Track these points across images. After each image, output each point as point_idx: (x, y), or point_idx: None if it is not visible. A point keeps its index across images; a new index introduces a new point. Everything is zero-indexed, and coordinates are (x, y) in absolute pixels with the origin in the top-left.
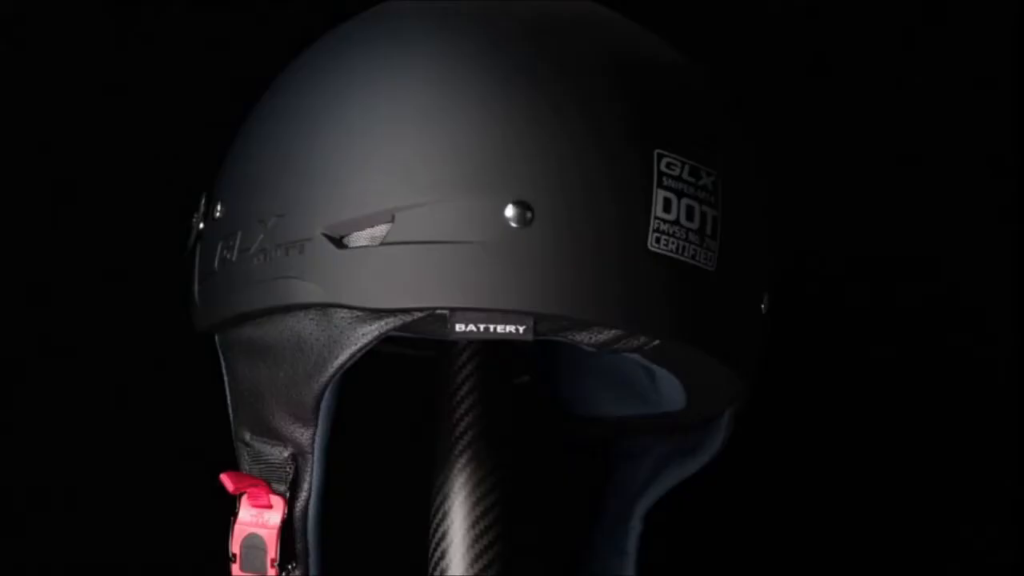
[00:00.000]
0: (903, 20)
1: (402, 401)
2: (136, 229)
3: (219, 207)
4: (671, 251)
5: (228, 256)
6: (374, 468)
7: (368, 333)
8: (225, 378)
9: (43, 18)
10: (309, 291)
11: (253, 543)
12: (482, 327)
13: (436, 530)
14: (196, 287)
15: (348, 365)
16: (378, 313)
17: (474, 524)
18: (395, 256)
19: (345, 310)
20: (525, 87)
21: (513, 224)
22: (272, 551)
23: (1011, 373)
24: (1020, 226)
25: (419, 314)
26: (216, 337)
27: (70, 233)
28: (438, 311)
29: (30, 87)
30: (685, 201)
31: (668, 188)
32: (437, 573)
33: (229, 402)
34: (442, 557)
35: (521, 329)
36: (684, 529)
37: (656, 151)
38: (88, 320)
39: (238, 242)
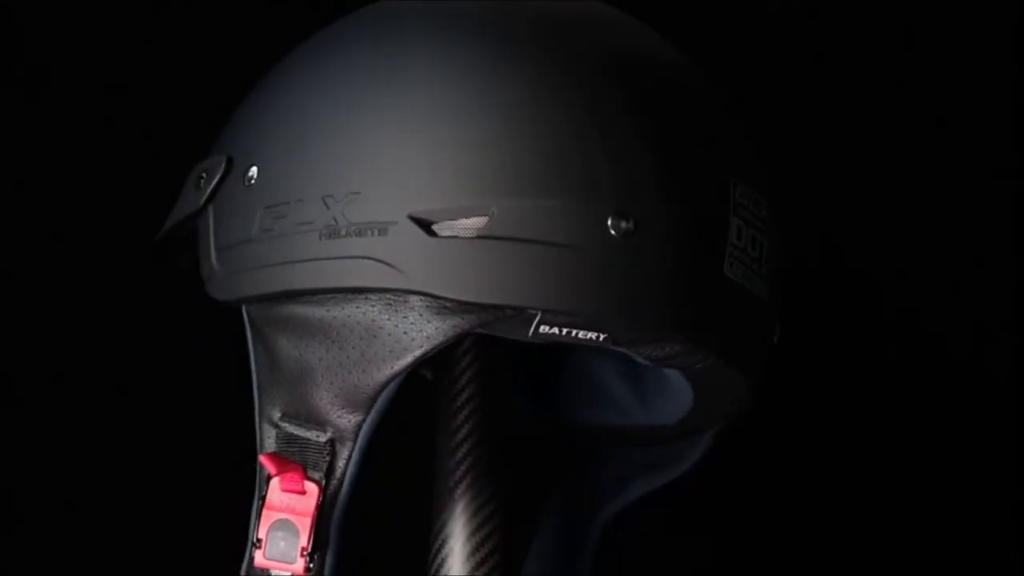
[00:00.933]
0: (903, 20)
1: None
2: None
3: (253, 172)
4: (738, 277)
5: (274, 226)
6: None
7: (454, 326)
8: (253, 353)
9: (42, 19)
10: (390, 275)
11: (284, 529)
12: (566, 331)
13: (437, 536)
14: (215, 252)
15: (427, 357)
16: (466, 307)
17: (474, 532)
18: (490, 250)
19: (423, 300)
20: (630, 101)
21: (613, 233)
22: (305, 539)
23: (1011, 373)
24: (1021, 226)
25: (511, 312)
26: (245, 309)
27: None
28: (529, 311)
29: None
30: (750, 231)
31: (740, 216)
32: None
33: (257, 379)
34: (442, 564)
35: (601, 337)
36: (684, 528)
37: (731, 179)
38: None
39: (293, 214)
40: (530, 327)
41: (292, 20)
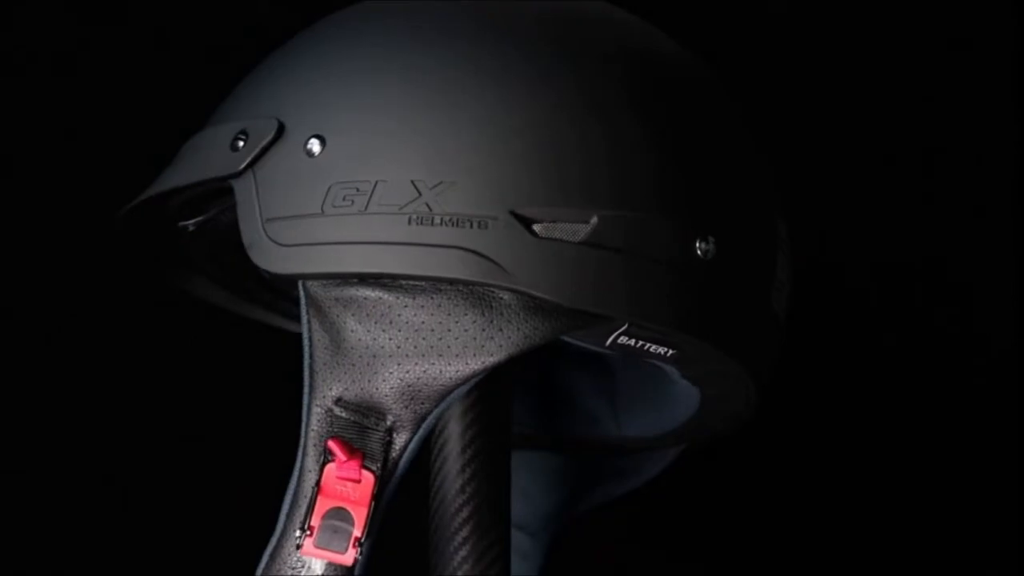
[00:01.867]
0: (902, 20)
1: None
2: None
3: (315, 144)
4: (778, 309)
5: (350, 204)
6: None
7: (550, 329)
8: (309, 331)
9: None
10: (489, 270)
11: (338, 518)
12: (641, 343)
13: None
14: (262, 221)
15: (517, 357)
16: (560, 310)
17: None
18: (594, 258)
19: (519, 299)
20: (713, 125)
21: (699, 254)
22: (359, 529)
23: (1011, 373)
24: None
25: (602, 320)
26: (304, 284)
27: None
28: (618, 321)
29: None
30: (787, 266)
31: (783, 251)
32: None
33: (312, 358)
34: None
35: (670, 352)
36: (686, 528)
37: (776, 214)
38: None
39: (377, 195)
40: (609, 337)
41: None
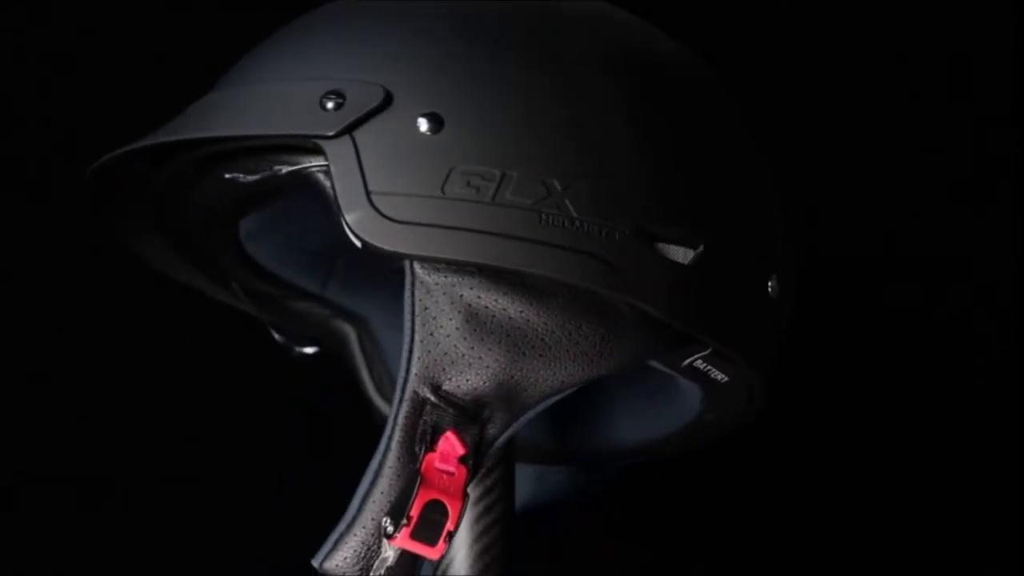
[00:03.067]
0: (903, 20)
1: None
2: None
3: (429, 120)
4: (784, 329)
5: (475, 192)
6: None
7: (654, 347)
8: (415, 312)
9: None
10: (616, 280)
11: (436, 510)
12: (708, 368)
13: None
14: (367, 193)
15: (624, 370)
16: (668, 330)
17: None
18: (697, 282)
19: (636, 313)
20: (719, 128)
21: (769, 292)
22: (452, 523)
23: (1011, 373)
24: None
25: (696, 345)
26: (415, 265)
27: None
28: (707, 346)
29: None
30: (787, 258)
31: (783, 251)
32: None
33: (413, 341)
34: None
35: (724, 379)
36: (686, 529)
37: (777, 216)
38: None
39: (504, 186)
40: (686, 360)
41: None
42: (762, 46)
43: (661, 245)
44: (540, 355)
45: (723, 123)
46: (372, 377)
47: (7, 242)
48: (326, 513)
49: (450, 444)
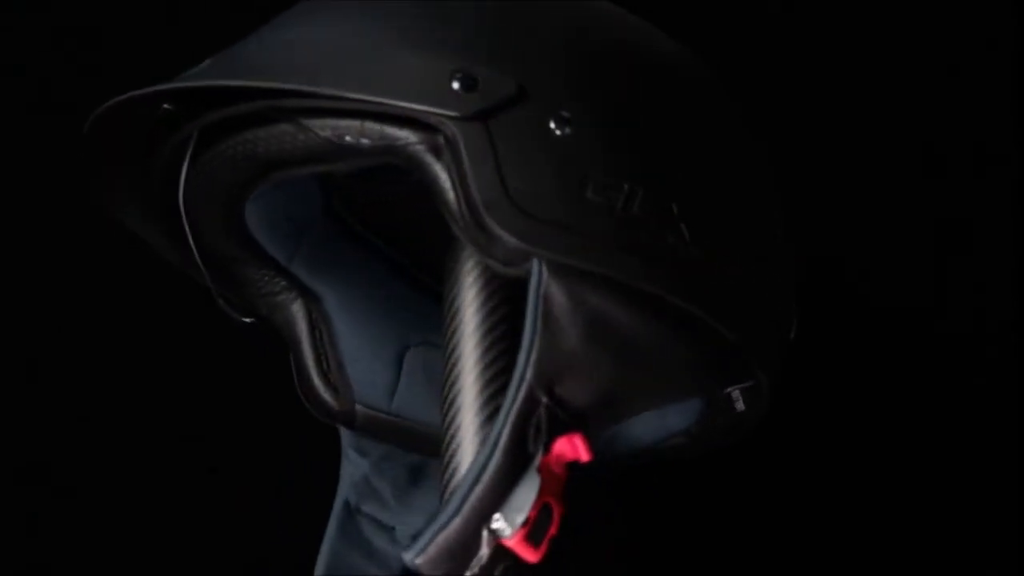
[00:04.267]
0: (901, 20)
1: None
2: None
3: (560, 121)
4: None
5: (605, 201)
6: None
7: (720, 382)
8: (539, 311)
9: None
10: (732, 315)
11: (546, 513)
12: (740, 401)
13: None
14: (503, 184)
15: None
16: (738, 362)
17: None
18: (753, 302)
19: (721, 344)
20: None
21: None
22: (555, 527)
23: (1011, 373)
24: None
25: (755, 381)
26: (539, 265)
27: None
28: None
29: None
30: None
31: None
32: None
33: (534, 344)
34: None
35: (743, 408)
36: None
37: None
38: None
39: (634, 201)
40: (727, 389)
41: None
42: (762, 46)
43: (730, 266)
44: (645, 372)
45: (723, 124)
46: (317, 360)
47: (7, 242)
48: (326, 513)
49: (568, 447)
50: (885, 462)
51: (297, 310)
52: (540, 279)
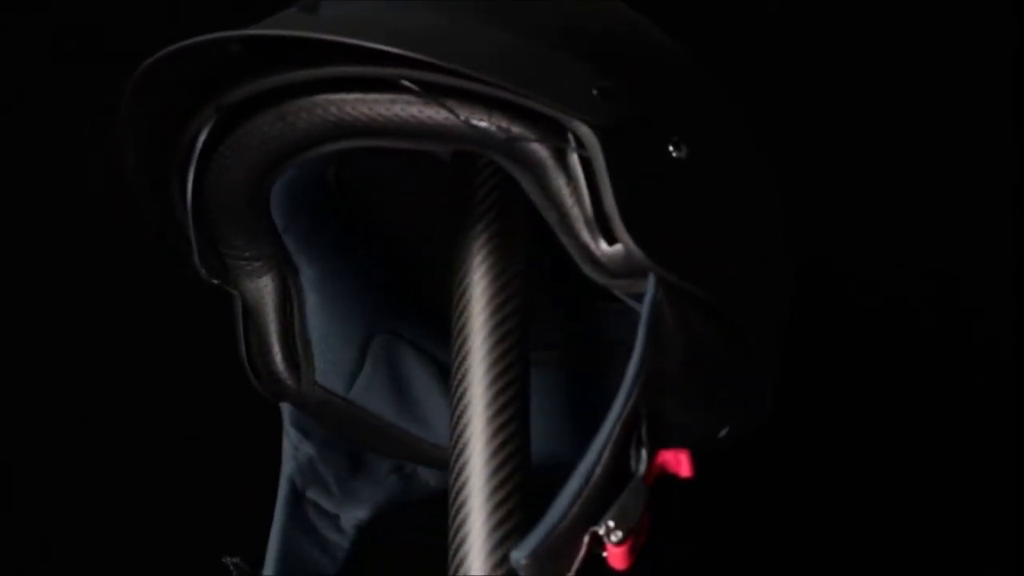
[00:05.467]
0: (901, 19)
1: None
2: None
3: (690, 153)
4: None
5: (722, 229)
6: None
7: None
8: (651, 332)
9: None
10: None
11: (644, 525)
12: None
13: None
14: (633, 197)
15: None
16: None
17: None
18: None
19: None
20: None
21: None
22: (644, 535)
23: (1011, 373)
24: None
25: None
26: (658, 283)
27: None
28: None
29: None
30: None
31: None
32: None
33: (644, 358)
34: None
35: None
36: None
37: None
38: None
39: (735, 231)
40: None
41: None
42: (762, 46)
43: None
44: (726, 395)
45: (725, 125)
46: (283, 334)
47: (7, 240)
48: None
49: (672, 461)
50: (885, 462)
51: (270, 280)
52: (656, 297)
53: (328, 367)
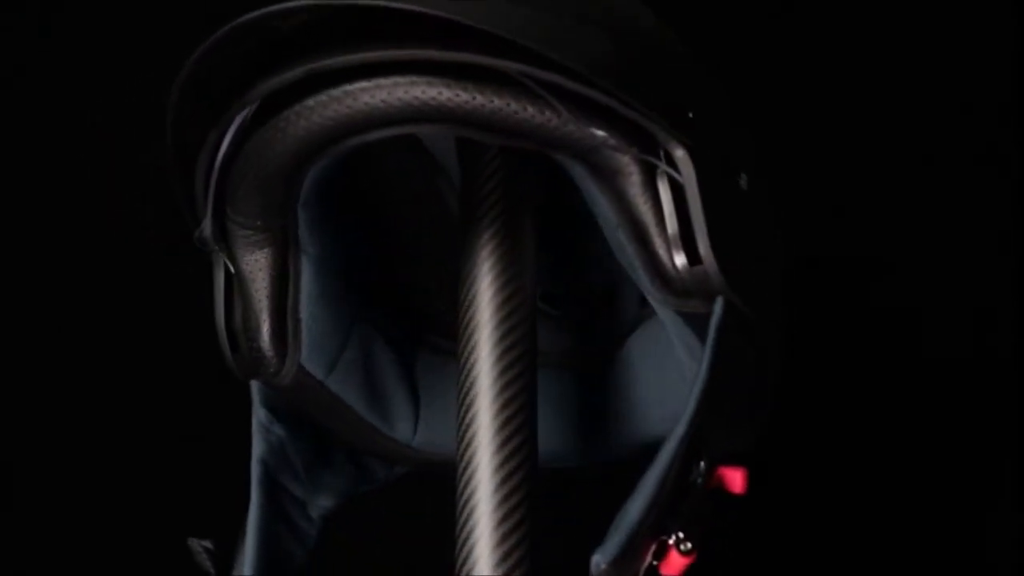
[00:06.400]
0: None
1: None
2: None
3: (750, 186)
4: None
5: (770, 257)
6: None
7: None
8: (716, 355)
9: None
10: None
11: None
12: None
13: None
14: (714, 224)
15: None
16: None
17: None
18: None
19: None
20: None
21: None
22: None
23: (1011, 373)
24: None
25: None
26: (726, 306)
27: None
28: None
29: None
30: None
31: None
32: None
33: (710, 379)
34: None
35: None
36: None
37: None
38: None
39: (774, 255)
40: None
41: None
42: (762, 46)
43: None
44: (746, 415)
45: (754, 152)
46: (275, 310)
47: (6, 240)
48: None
49: (729, 478)
50: (884, 463)
51: (269, 253)
52: (723, 320)
53: (314, 349)
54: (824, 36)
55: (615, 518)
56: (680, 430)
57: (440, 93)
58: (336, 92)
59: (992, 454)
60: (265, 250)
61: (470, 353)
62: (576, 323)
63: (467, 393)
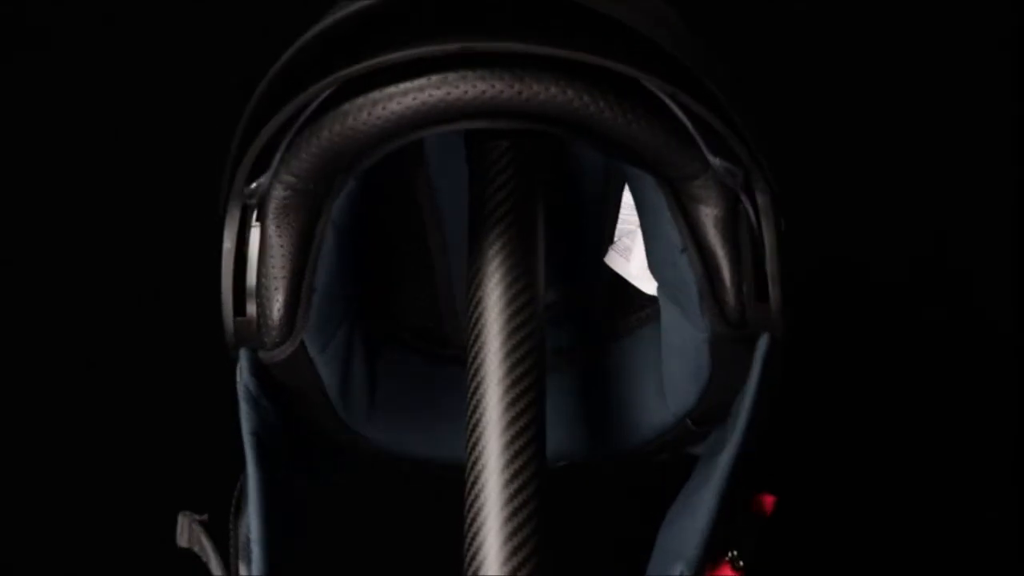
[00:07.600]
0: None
1: None
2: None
3: (783, 224)
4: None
5: (788, 300)
6: None
7: None
8: (763, 387)
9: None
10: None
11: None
12: None
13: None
14: (760, 263)
15: None
16: None
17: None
18: None
19: None
20: None
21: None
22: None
23: (1011, 372)
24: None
25: None
26: (772, 342)
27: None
28: None
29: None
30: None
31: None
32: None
33: (756, 408)
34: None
35: None
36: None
37: None
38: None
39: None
40: None
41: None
42: (763, 46)
43: None
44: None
45: None
46: (292, 280)
47: (7, 239)
48: (328, 518)
49: (764, 501)
50: (884, 463)
51: (298, 219)
52: (768, 352)
53: (317, 322)
54: (826, 35)
55: (660, 534)
56: (729, 449)
57: (580, 99)
58: (453, 76)
59: (992, 454)
60: (296, 213)
61: (479, 351)
62: (575, 320)
63: (476, 390)
